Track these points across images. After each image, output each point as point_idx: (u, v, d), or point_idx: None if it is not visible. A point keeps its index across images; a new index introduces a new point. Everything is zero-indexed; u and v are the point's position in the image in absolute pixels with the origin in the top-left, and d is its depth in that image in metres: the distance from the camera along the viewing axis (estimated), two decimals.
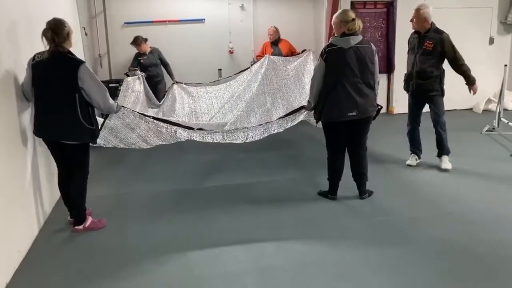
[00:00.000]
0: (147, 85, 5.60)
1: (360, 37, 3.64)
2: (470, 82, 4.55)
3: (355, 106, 3.65)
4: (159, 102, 5.61)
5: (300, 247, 3.24)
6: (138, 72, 5.76)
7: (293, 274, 2.89)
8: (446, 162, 4.74)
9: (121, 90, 4.86)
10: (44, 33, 3.15)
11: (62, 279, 2.90)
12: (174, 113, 5.49)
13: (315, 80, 3.75)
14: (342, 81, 3.61)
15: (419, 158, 4.93)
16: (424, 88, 4.59)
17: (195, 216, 3.79)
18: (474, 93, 4.65)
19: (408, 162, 4.92)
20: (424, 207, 3.85)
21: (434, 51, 4.45)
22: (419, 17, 4.48)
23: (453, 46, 4.45)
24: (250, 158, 5.39)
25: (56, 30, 3.14)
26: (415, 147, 4.95)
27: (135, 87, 5.22)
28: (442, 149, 4.76)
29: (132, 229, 3.59)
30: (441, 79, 4.58)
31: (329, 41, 3.75)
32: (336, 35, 3.72)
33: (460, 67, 4.51)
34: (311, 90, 3.84)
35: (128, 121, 3.75)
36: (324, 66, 3.64)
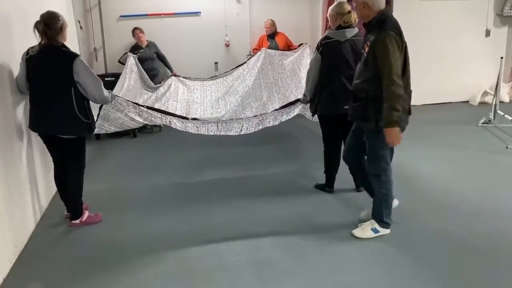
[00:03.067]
0: (140, 66, 5.61)
1: (356, 30, 3.63)
2: (385, 121, 2.82)
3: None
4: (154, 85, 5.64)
5: (297, 240, 3.25)
6: (129, 53, 5.77)
7: (290, 266, 2.91)
8: (366, 229, 3.24)
9: (119, 81, 4.92)
10: (36, 26, 3.12)
11: (59, 274, 2.90)
12: (166, 97, 5.48)
13: (311, 73, 3.74)
14: (338, 74, 3.61)
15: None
16: (353, 115, 3.15)
17: (191, 210, 3.79)
18: (389, 141, 2.90)
19: None
20: (421, 199, 3.86)
21: (370, 57, 2.90)
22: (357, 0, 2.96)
23: (385, 51, 2.77)
24: (247, 151, 5.39)
25: (48, 23, 3.10)
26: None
27: (131, 75, 5.25)
28: (373, 211, 3.28)
29: (129, 223, 3.59)
30: (380, 103, 2.84)
31: (325, 34, 3.74)
32: (332, 28, 3.71)
33: (384, 88, 2.79)
34: (307, 83, 3.84)
35: (121, 108, 3.74)
36: (320, 59, 3.64)
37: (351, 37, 3.59)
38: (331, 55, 3.60)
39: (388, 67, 2.78)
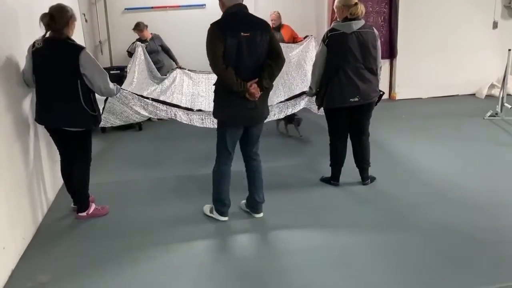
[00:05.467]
0: (148, 56, 5.60)
1: (362, 22, 3.60)
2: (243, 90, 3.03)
3: (357, 92, 3.63)
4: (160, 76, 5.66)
5: (302, 233, 3.26)
6: (138, 43, 5.75)
7: (295, 259, 2.91)
8: (209, 207, 3.51)
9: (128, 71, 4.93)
10: (41, 18, 3.10)
11: (67, 265, 2.93)
12: (171, 90, 5.49)
13: (316, 65, 3.72)
14: (344, 66, 3.59)
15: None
16: None
17: (197, 202, 3.79)
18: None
19: None
20: (426, 192, 3.85)
21: None
22: None
23: (206, 45, 2.99)
24: None
25: (54, 16, 3.09)
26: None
27: (140, 66, 5.27)
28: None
29: (135, 215, 3.61)
30: (215, 95, 3.20)
31: (331, 26, 3.72)
32: (338, 20, 3.69)
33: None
34: (312, 75, 3.82)
35: (126, 102, 3.75)
36: (326, 51, 3.62)
37: (358, 29, 3.56)
38: (337, 48, 3.58)
39: (209, 59, 2.98)
